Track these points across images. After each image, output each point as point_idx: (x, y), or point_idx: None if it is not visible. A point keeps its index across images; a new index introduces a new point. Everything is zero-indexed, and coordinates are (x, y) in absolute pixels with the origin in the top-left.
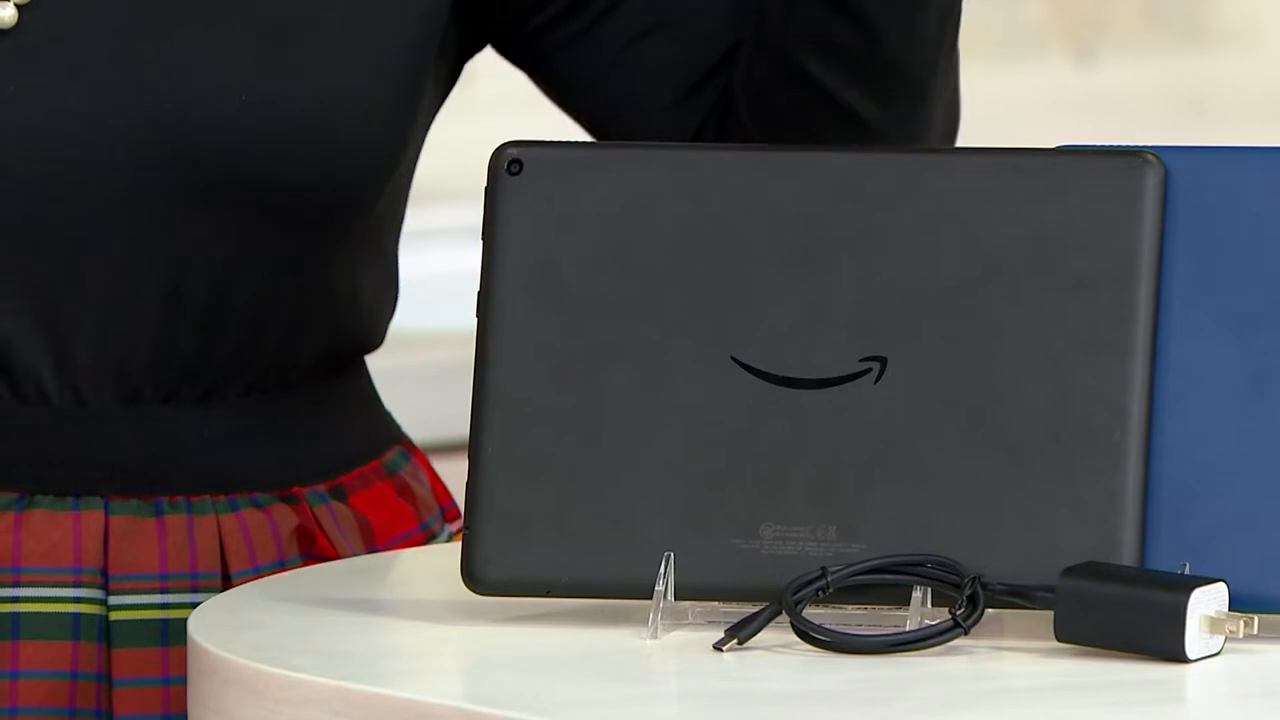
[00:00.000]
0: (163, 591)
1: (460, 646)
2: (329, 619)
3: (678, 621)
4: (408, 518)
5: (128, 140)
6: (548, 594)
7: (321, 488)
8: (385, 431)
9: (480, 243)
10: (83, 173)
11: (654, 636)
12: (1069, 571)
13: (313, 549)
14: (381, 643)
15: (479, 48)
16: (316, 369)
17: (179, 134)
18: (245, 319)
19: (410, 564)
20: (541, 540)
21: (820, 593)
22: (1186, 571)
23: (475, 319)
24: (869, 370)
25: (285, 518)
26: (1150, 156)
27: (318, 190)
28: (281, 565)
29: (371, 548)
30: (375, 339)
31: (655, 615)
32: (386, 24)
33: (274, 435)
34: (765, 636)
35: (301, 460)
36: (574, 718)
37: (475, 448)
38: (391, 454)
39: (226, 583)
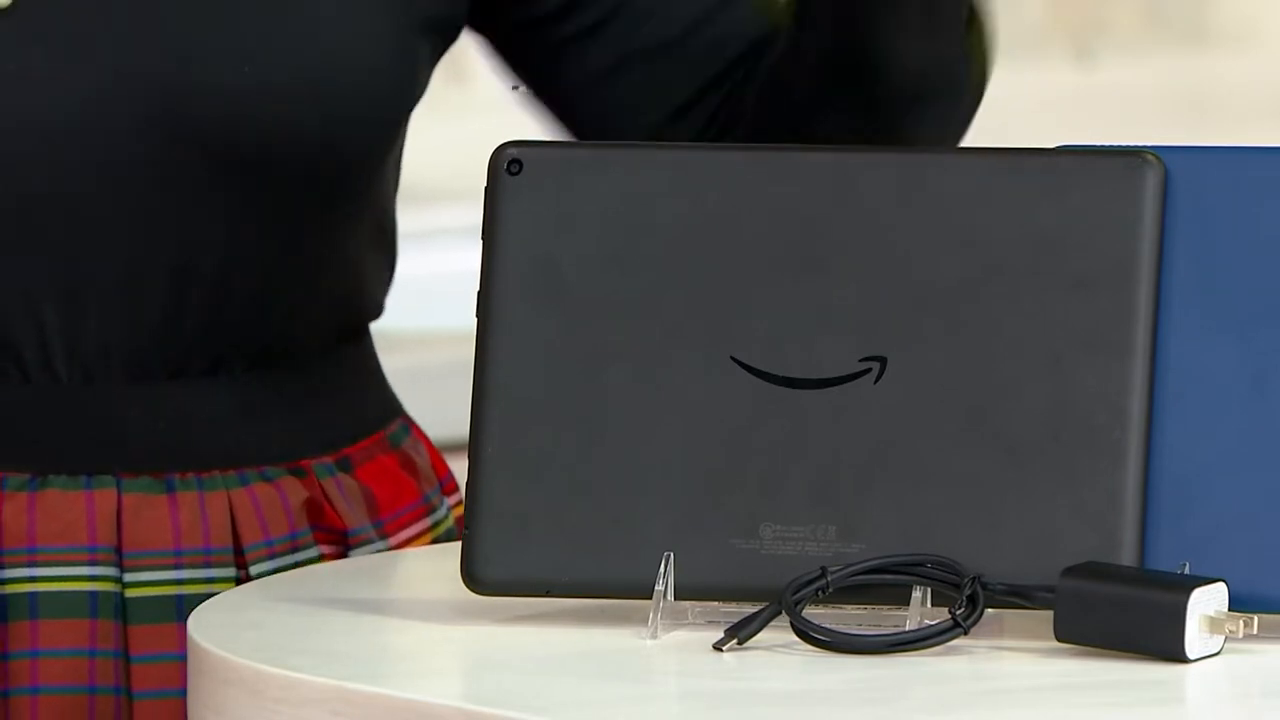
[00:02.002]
0: (177, 568)
1: (460, 646)
2: (329, 619)
3: (678, 621)
4: (410, 490)
5: (131, 117)
6: (548, 594)
7: (329, 460)
8: (389, 404)
9: (480, 243)
10: (86, 151)
11: (654, 636)
12: (1069, 571)
13: (322, 521)
14: (381, 643)
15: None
16: (321, 340)
17: (182, 108)
18: (252, 292)
19: (410, 564)
20: (541, 540)
21: (820, 593)
22: (1186, 571)
23: (475, 319)
24: (869, 370)
25: (295, 490)
26: (1150, 156)
27: (323, 157)
28: (293, 538)
29: (376, 520)
30: (376, 308)
31: (655, 615)
32: None
33: (281, 409)
34: (765, 636)
35: (308, 433)
36: (574, 718)
37: (475, 448)
38: (394, 427)
39: (239, 557)
